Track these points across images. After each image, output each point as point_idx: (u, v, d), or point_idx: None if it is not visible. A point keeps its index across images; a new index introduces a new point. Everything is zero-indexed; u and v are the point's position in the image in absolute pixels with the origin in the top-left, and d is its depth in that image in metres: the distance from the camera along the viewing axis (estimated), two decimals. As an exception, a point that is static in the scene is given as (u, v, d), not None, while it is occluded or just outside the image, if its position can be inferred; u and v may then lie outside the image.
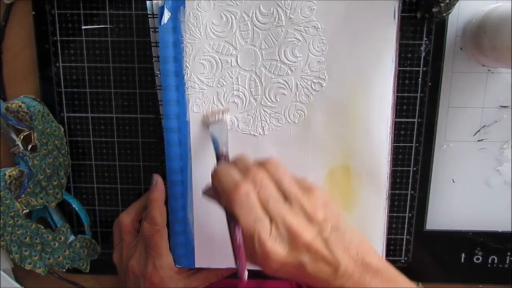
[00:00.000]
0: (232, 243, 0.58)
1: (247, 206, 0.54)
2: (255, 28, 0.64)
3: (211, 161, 0.69)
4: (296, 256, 0.54)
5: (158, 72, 0.67)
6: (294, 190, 0.57)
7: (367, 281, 0.56)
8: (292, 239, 0.53)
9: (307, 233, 0.54)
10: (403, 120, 0.71)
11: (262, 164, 0.58)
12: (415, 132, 0.72)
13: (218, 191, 0.58)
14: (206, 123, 0.67)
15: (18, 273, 0.81)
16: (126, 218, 0.73)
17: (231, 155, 0.66)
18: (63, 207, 0.78)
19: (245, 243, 0.55)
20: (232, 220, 0.57)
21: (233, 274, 0.76)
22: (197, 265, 0.73)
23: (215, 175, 0.59)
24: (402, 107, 0.71)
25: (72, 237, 0.77)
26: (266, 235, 0.53)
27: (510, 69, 0.69)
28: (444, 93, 0.71)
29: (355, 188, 0.68)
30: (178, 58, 0.65)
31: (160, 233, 0.70)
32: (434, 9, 0.64)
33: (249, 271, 0.73)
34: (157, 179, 0.71)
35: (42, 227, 0.75)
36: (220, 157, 0.64)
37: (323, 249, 0.54)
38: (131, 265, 0.71)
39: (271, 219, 0.54)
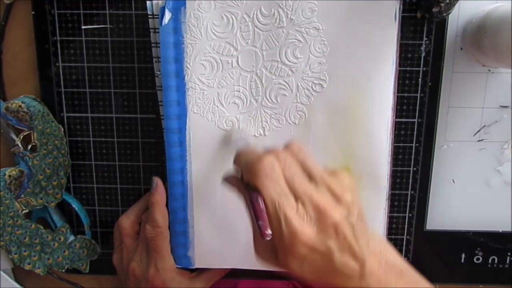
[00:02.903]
0: (252, 213, 0.54)
1: (272, 176, 0.52)
2: (256, 29, 0.64)
3: (212, 162, 0.69)
4: (324, 240, 0.51)
5: (158, 72, 0.67)
6: (319, 171, 0.54)
7: (393, 283, 0.54)
8: (320, 218, 0.51)
9: (336, 213, 0.51)
10: (403, 120, 0.71)
11: (286, 147, 0.56)
12: (415, 132, 0.72)
13: (240, 171, 0.57)
14: (227, 140, 0.68)
15: (18, 273, 0.81)
16: (126, 221, 0.73)
17: (231, 157, 0.67)
18: (63, 207, 0.78)
19: (270, 223, 0.52)
20: (254, 194, 0.53)
21: (233, 274, 0.76)
22: (197, 265, 0.73)
23: (237, 155, 0.57)
24: (402, 107, 0.71)
25: (71, 238, 0.77)
26: (293, 212, 0.50)
27: (510, 69, 0.69)
28: (444, 93, 0.71)
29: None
30: (179, 59, 0.65)
31: (162, 235, 0.70)
32: (434, 9, 0.64)
33: (251, 271, 0.73)
34: (157, 181, 0.71)
35: (42, 227, 0.75)
36: None
37: (350, 236, 0.51)
38: (131, 268, 0.71)
39: (297, 198, 0.52)
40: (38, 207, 0.74)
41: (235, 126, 0.67)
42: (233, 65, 0.66)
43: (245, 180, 0.55)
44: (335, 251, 0.51)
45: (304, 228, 0.50)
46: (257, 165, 0.52)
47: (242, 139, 0.66)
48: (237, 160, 0.57)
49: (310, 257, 0.51)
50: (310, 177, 0.54)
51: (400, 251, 0.76)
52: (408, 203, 0.74)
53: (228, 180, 0.61)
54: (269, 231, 0.52)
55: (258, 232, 0.54)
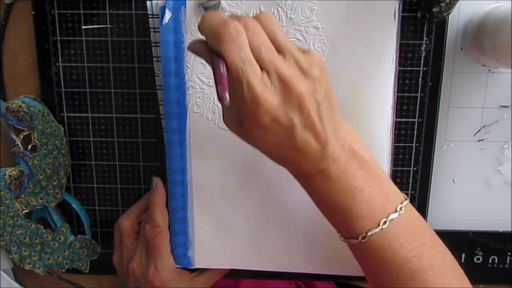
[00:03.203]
0: (214, 77, 0.51)
1: (237, 41, 0.49)
2: (255, 28, 0.64)
3: (212, 161, 0.69)
4: (287, 111, 0.50)
5: (158, 72, 0.67)
6: (288, 43, 0.52)
7: (352, 170, 0.54)
8: (285, 89, 0.49)
9: (302, 86, 0.50)
10: (404, 120, 0.71)
11: (255, 16, 0.52)
12: (415, 132, 0.72)
13: (204, 36, 0.53)
14: (200, 7, 0.64)
15: (18, 273, 0.81)
16: (126, 221, 0.73)
17: (231, 156, 0.67)
18: (63, 207, 0.78)
19: (233, 87, 0.50)
20: (217, 59, 0.51)
21: (234, 274, 0.76)
22: (197, 265, 0.73)
23: (202, 19, 0.52)
24: (402, 107, 0.71)
25: (71, 237, 0.77)
26: (256, 80, 0.49)
27: (510, 69, 0.69)
28: (444, 93, 0.71)
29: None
30: (179, 58, 0.65)
31: (162, 235, 0.70)
32: (435, 9, 0.64)
33: (251, 271, 0.73)
34: (157, 181, 0.71)
35: (42, 227, 0.75)
36: None
37: (314, 114, 0.51)
38: (131, 268, 0.71)
39: (262, 67, 0.50)
40: (38, 207, 0.74)
41: None
42: (233, 65, 0.66)
43: (209, 46, 0.52)
44: (297, 125, 0.50)
45: (267, 95, 0.49)
46: (221, 29, 0.49)
47: (214, 6, 0.63)
48: (202, 24, 0.52)
49: (273, 128, 0.51)
50: (278, 49, 0.51)
51: (400, 251, 0.76)
52: (409, 203, 0.74)
53: (194, 47, 0.56)
54: (226, 96, 0.51)
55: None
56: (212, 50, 0.51)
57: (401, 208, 0.56)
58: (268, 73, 0.50)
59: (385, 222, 0.55)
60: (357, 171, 0.54)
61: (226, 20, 0.49)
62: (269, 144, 0.53)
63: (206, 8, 0.62)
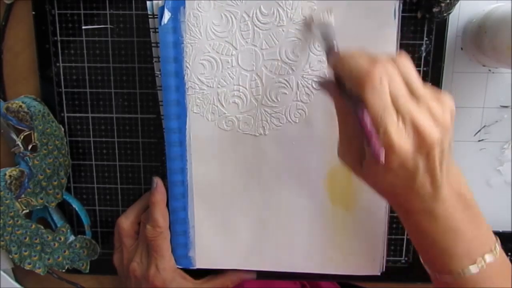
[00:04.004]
0: (360, 126, 0.52)
1: (379, 90, 0.50)
2: (255, 28, 0.64)
3: (212, 162, 0.69)
4: (415, 158, 0.51)
5: (158, 72, 0.67)
6: (423, 90, 0.53)
7: (457, 213, 0.55)
8: (418, 137, 0.50)
9: (433, 136, 0.50)
10: (404, 120, 0.71)
11: (393, 59, 0.53)
12: (415, 132, 0.72)
13: (342, 77, 0.54)
14: (309, 25, 0.64)
15: (18, 273, 0.81)
16: (125, 221, 0.73)
17: (231, 157, 0.67)
18: (63, 207, 0.78)
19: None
20: (360, 106, 0.51)
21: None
22: (198, 265, 0.73)
23: (340, 59, 0.54)
24: (402, 107, 0.71)
25: (72, 237, 0.77)
26: (394, 127, 0.50)
27: (510, 69, 0.69)
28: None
29: (355, 188, 0.68)
30: (179, 59, 0.65)
31: (162, 235, 0.70)
32: (435, 9, 0.64)
33: (249, 271, 0.73)
34: (157, 181, 0.71)
35: (42, 227, 0.75)
36: (332, 48, 0.59)
37: (437, 161, 0.51)
38: (132, 268, 0.71)
39: (398, 114, 0.50)
40: (38, 207, 0.74)
41: (315, 12, 0.64)
42: (233, 65, 0.66)
43: (348, 88, 0.54)
44: (420, 170, 0.51)
45: (402, 142, 0.50)
46: (366, 77, 0.51)
47: (325, 25, 0.62)
48: (340, 65, 0.54)
49: (397, 171, 0.52)
50: (413, 94, 0.52)
51: (400, 251, 0.76)
52: (409, 203, 0.74)
53: (325, 85, 0.58)
54: (383, 157, 0.51)
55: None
56: (349, 93, 0.53)
57: (496, 249, 0.57)
58: (403, 120, 0.50)
59: (481, 262, 0.56)
60: (462, 214, 0.55)
61: (369, 68, 0.51)
62: (386, 184, 0.54)
63: (321, 29, 0.62)
